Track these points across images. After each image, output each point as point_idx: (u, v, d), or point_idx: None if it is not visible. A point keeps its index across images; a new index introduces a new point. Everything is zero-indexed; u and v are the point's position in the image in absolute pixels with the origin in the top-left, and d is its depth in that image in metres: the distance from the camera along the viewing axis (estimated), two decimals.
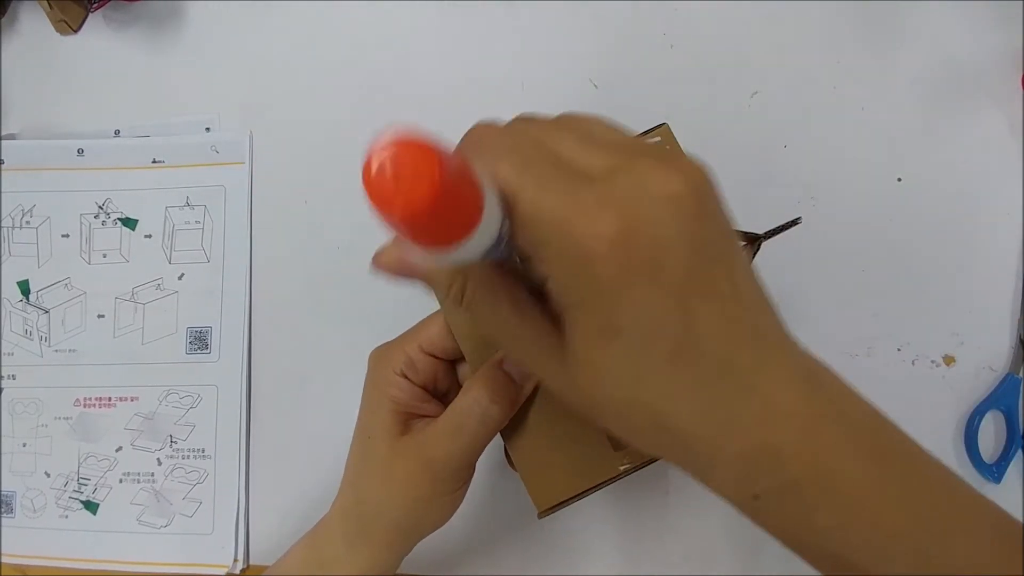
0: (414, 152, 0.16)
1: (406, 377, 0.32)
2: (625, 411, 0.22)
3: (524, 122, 0.24)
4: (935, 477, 0.23)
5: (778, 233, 0.35)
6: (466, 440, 0.30)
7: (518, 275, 0.23)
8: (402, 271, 0.25)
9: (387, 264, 0.25)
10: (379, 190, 0.17)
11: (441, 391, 0.33)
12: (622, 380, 0.21)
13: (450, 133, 0.51)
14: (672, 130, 0.32)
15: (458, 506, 0.34)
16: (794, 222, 0.35)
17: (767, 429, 0.21)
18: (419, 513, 0.32)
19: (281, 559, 0.37)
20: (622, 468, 0.30)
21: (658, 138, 0.32)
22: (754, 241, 0.34)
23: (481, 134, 0.23)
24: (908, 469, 0.22)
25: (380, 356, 0.33)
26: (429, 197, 0.16)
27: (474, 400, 0.30)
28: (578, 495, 0.30)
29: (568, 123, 0.23)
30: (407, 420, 0.32)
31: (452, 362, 0.33)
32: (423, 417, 0.32)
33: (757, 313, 0.22)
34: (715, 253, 0.21)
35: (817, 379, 0.22)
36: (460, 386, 0.33)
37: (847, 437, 0.21)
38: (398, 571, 0.44)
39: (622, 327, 0.20)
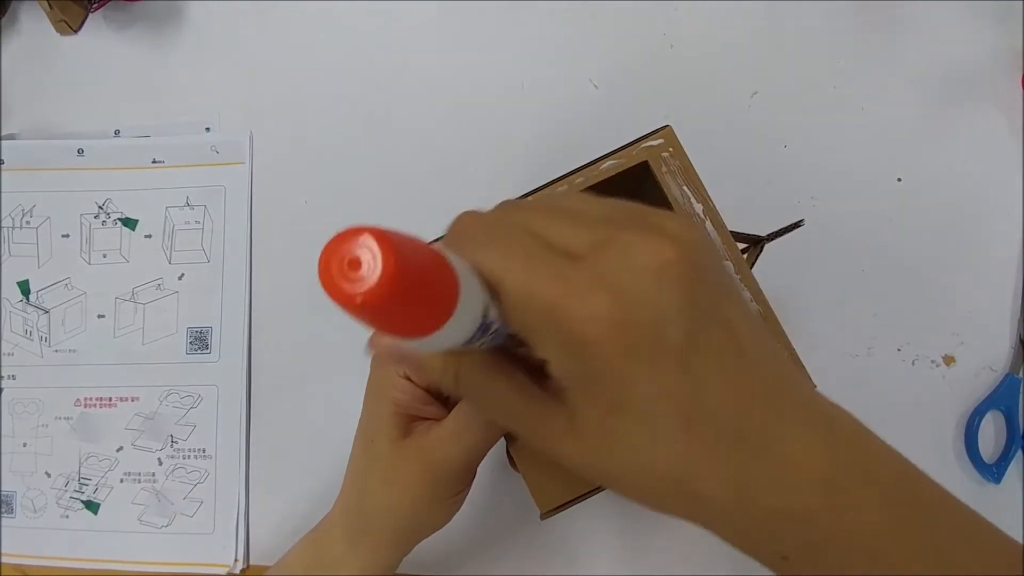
0: (366, 244, 0.16)
1: (408, 379, 0.32)
2: (643, 479, 0.21)
3: (508, 208, 0.24)
4: (957, 519, 0.23)
5: (780, 236, 0.35)
6: (469, 445, 0.30)
7: (516, 355, 0.23)
8: (395, 356, 0.25)
9: (381, 349, 0.24)
10: (334, 285, 0.17)
11: (444, 392, 0.33)
12: (636, 450, 0.21)
13: (450, 132, 0.52)
14: (675, 132, 0.33)
15: (459, 508, 0.34)
16: (797, 224, 0.35)
17: (788, 491, 0.20)
18: (421, 515, 0.32)
19: (282, 559, 0.37)
20: None
21: (660, 140, 0.32)
22: (757, 244, 0.34)
23: (465, 223, 0.22)
24: (930, 514, 0.22)
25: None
26: (384, 289, 0.16)
27: (475, 416, 0.30)
28: (581, 497, 0.30)
29: (551, 204, 0.23)
30: (409, 422, 0.32)
31: None
32: (425, 420, 0.32)
33: (765, 366, 0.21)
34: (713, 313, 0.20)
35: (834, 428, 0.22)
36: None
37: (869, 491, 0.21)
38: (398, 571, 0.44)
39: (629, 403, 0.20)
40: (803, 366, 0.31)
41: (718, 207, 0.33)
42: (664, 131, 0.32)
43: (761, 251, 0.35)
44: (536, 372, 0.23)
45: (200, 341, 0.47)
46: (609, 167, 0.32)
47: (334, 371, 0.46)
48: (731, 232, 0.32)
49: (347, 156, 0.48)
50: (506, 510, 0.44)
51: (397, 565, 0.36)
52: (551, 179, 0.33)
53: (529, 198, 0.24)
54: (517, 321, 0.20)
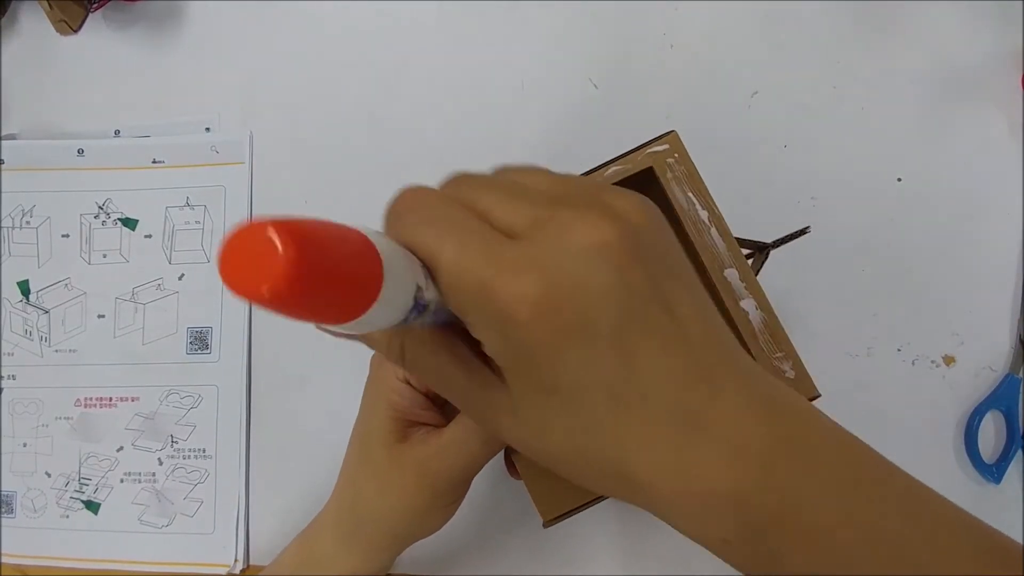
0: (261, 234, 0.16)
1: (408, 383, 0.31)
2: (578, 462, 0.21)
3: (456, 182, 0.23)
4: (909, 497, 0.22)
5: (786, 242, 0.35)
6: (468, 458, 0.30)
7: (462, 333, 0.23)
8: (341, 334, 0.25)
9: (328, 328, 0.25)
10: (236, 279, 0.16)
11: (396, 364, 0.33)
12: (570, 432, 0.20)
13: (450, 132, 0.52)
14: (680, 138, 0.32)
15: (453, 515, 0.34)
16: (802, 231, 0.35)
17: (726, 472, 0.20)
18: (413, 521, 0.32)
19: (276, 557, 0.38)
20: None
21: (666, 146, 0.32)
22: (762, 250, 0.34)
23: (406, 200, 0.22)
24: (878, 494, 0.21)
25: (381, 360, 0.33)
26: (287, 277, 0.15)
27: (473, 427, 0.30)
28: (584, 505, 0.30)
29: (500, 178, 0.23)
30: (406, 427, 0.32)
31: None
32: (422, 425, 0.32)
33: (706, 347, 0.21)
34: (652, 294, 0.20)
35: (775, 406, 0.21)
36: None
37: (810, 469, 0.20)
38: (398, 571, 0.44)
39: (559, 385, 0.20)
40: (807, 373, 0.31)
41: (720, 210, 0.33)
42: (669, 136, 0.32)
43: (766, 258, 0.35)
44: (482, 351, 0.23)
45: (200, 341, 0.47)
46: (614, 172, 0.32)
47: (334, 371, 0.46)
48: (736, 239, 0.32)
49: (347, 156, 0.48)
50: (506, 511, 0.44)
51: (387, 567, 0.36)
52: None
53: (485, 173, 0.24)
54: (451, 300, 0.20)
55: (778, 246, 0.35)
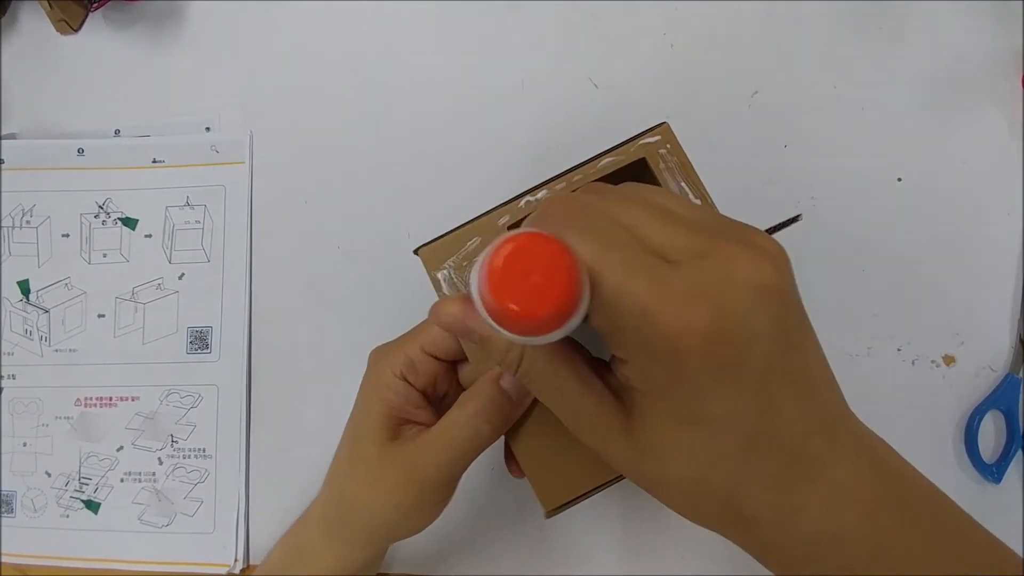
0: (554, 259, 0.16)
1: (405, 380, 0.31)
2: (692, 492, 0.22)
3: (600, 194, 0.23)
4: (991, 550, 0.23)
5: (778, 230, 0.35)
6: (455, 454, 0.30)
7: (578, 346, 0.23)
8: (460, 330, 0.25)
9: (446, 320, 0.24)
10: (506, 286, 0.16)
11: (440, 393, 0.33)
12: (694, 464, 0.21)
13: (450, 132, 0.52)
14: (672, 129, 0.33)
15: (439, 514, 0.34)
16: (794, 219, 0.35)
17: (833, 514, 0.21)
18: (399, 519, 0.32)
19: (270, 551, 0.38)
20: None
21: (658, 137, 0.32)
22: None
23: (559, 206, 0.22)
24: (961, 547, 0.22)
25: (380, 356, 0.33)
26: (557, 311, 0.16)
27: (467, 416, 0.30)
28: (585, 494, 0.30)
29: (644, 198, 0.23)
30: (398, 424, 0.32)
31: (453, 363, 0.33)
32: (414, 424, 0.32)
33: (828, 396, 0.22)
34: (795, 340, 0.21)
35: (879, 458, 0.22)
36: (460, 388, 0.33)
37: (907, 519, 0.21)
38: (397, 571, 0.44)
39: (701, 416, 0.20)
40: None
41: (717, 205, 0.33)
42: (661, 128, 0.32)
43: None
44: (597, 365, 0.23)
45: (200, 341, 0.47)
46: (607, 164, 0.32)
47: (334, 371, 0.46)
48: None
49: (347, 156, 0.48)
50: (506, 510, 0.44)
51: (373, 564, 0.36)
52: (549, 177, 0.33)
53: (620, 187, 0.24)
54: (606, 317, 0.20)
55: (771, 234, 0.35)
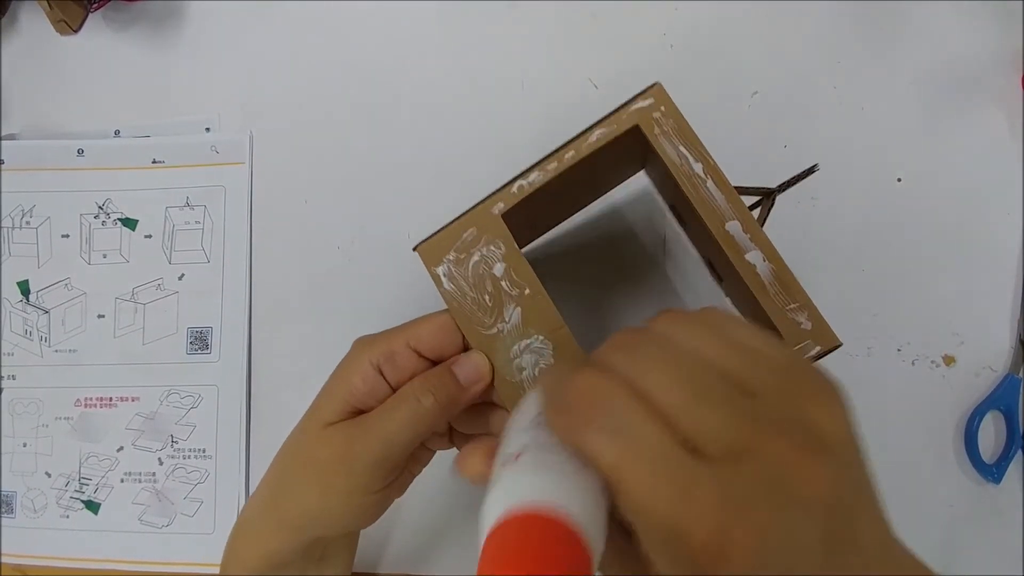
0: (561, 549, 0.16)
1: (380, 371, 0.30)
2: None
3: (627, 352, 0.21)
4: None
5: (793, 184, 0.33)
6: (392, 432, 0.29)
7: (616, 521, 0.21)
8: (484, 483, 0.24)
9: (471, 475, 0.23)
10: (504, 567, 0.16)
11: None
12: None
13: (450, 132, 0.52)
14: (666, 89, 0.31)
15: (384, 508, 0.32)
16: (811, 170, 0.33)
17: None
18: (331, 505, 0.31)
19: None
20: None
21: (650, 100, 0.30)
22: (768, 195, 0.32)
23: (581, 395, 0.20)
24: None
25: (362, 343, 0.32)
26: None
27: (410, 388, 0.29)
28: None
29: (673, 347, 0.20)
30: (355, 414, 0.31)
31: (436, 364, 0.32)
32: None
33: (883, 560, 0.20)
34: (850, 544, 0.18)
35: None
36: None
37: None
38: (396, 571, 0.44)
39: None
40: (824, 322, 0.29)
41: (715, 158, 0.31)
42: (654, 89, 0.30)
43: (772, 205, 0.33)
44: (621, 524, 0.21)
45: (200, 341, 0.47)
46: (599, 137, 0.30)
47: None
48: (737, 187, 0.30)
49: (347, 156, 0.48)
50: None
51: (305, 556, 0.33)
52: (540, 158, 0.32)
53: (687, 315, 0.22)
54: (632, 521, 0.19)
55: (784, 189, 0.33)
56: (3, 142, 0.49)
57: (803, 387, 0.20)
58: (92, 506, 0.46)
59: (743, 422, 0.18)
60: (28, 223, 0.49)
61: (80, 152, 0.49)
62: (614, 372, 0.20)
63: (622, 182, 0.41)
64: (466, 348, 0.32)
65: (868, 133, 0.46)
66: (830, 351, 0.29)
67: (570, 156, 0.31)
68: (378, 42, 0.49)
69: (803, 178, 0.33)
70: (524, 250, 0.33)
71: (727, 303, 0.42)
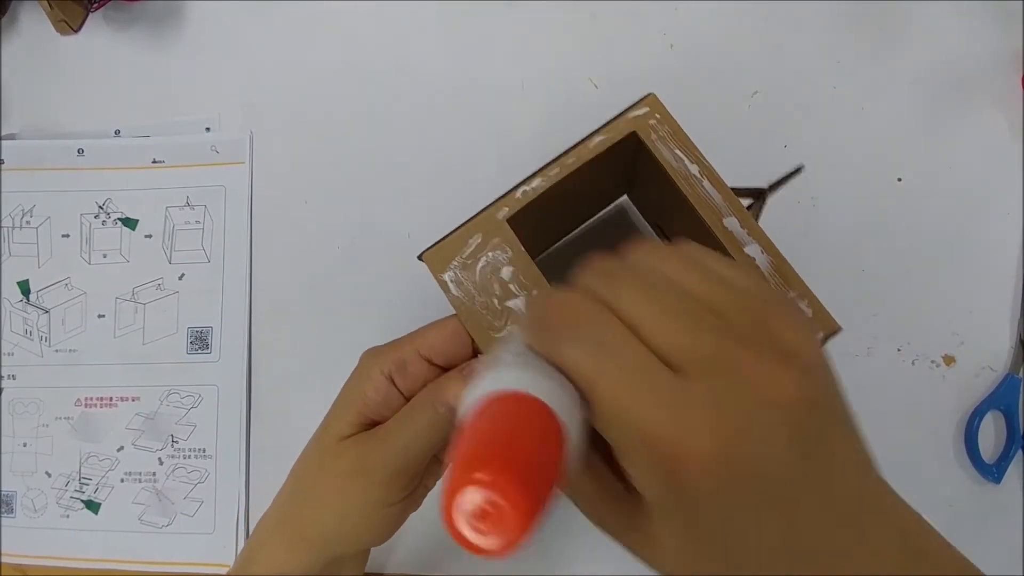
0: (491, 500, 0.16)
1: (392, 381, 0.30)
2: None
3: (601, 276, 0.22)
4: None
5: (782, 185, 0.35)
6: (408, 441, 0.29)
7: (595, 439, 0.21)
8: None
9: (453, 395, 0.25)
10: (463, 539, 0.17)
11: None
12: (711, 567, 0.20)
13: (450, 132, 0.52)
14: (660, 99, 0.32)
15: (400, 523, 0.32)
16: (796, 171, 0.35)
17: None
18: (348, 520, 0.30)
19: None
20: None
21: (646, 108, 0.32)
22: (759, 196, 0.34)
23: (555, 309, 0.21)
24: None
25: (371, 354, 0.32)
26: (518, 540, 0.16)
27: (425, 394, 0.29)
28: None
29: (647, 274, 0.21)
30: (369, 425, 0.30)
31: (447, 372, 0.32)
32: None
33: (857, 487, 0.20)
34: (821, 454, 0.19)
35: (911, 544, 0.21)
36: None
37: None
38: (395, 571, 0.44)
39: (715, 536, 0.19)
40: (824, 308, 0.30)
41: (709, 160, 0.32)
42: (648, 99, 0.32)
43: (764, 203, 0.34)
44: (608, 454, 0.22)
45: (200, 341, 0.47)
46: (599, 143, 0.32)
47: (334, 371, 0.46)
48: (731, 188, 0.31)
49: (347, 156, 0.48)
50: None
51: (315, 570, 0.33)
52: (543, 164, 0.33)
53: (661, 246, 0.23)
54: (607, 431, 0.19)
55: (775, 189, 0.35)
56: (3, 142, 0.49)
57: (773, 311, 0.20)
58: (92, 506, 0.46)
59: (713, 337, 0.19)
60: (28, 223, 0.49)
61: (80, 152, 0.49)
62: (590, 291, 0.21)
63: (612, 203, 0.43)
64: (475, 352, 0.31)
65: (868, 133, 0.46)
66: (832, 335, 0.31)
67: (571, 162, 0.32)
68: (378, 42, 0.49)
69: (791, 178, 0.34)
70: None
71: None
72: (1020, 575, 0.42)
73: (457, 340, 0.31)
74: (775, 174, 0.46)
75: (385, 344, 0.32)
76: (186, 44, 0.50)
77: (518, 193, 0.32)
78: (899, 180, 0.45)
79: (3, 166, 0.49)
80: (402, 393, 0.31)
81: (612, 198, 0.43)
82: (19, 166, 0.49)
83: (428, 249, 0.32)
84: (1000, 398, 0.43)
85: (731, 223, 0.31)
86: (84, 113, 0.50)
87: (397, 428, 0.30)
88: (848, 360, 0.44)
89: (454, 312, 0.31)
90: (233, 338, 0.47)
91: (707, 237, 0.31)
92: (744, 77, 0.47)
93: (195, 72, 0.50)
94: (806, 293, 0.30)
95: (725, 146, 0.45)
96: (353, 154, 0.48)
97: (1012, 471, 0.42)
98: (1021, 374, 0.43)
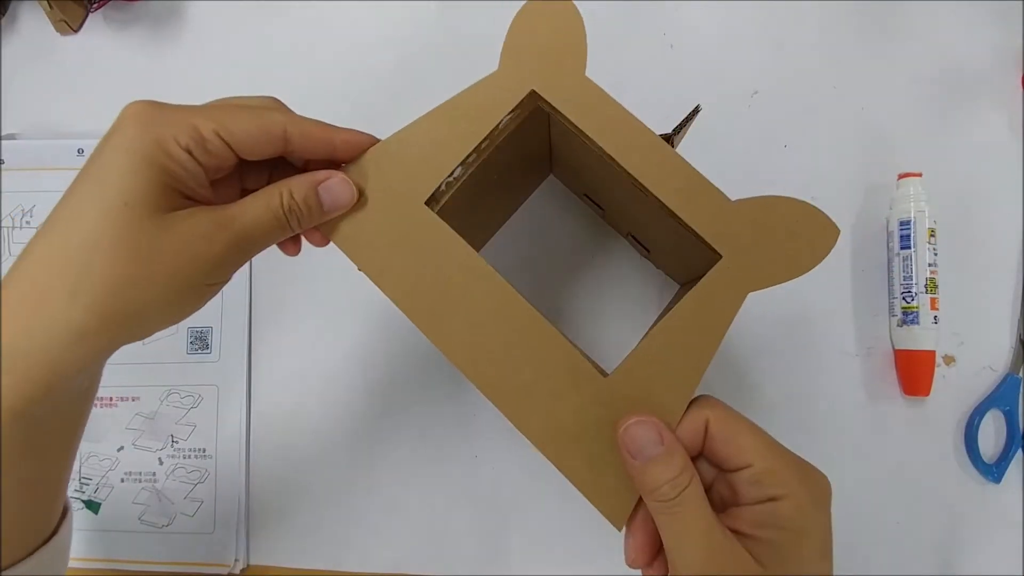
0: None
1: (190, 153, 0.27)
2: None
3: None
4: None
5: (684, 127, 0.35)
6: (253, 230, 0.28)
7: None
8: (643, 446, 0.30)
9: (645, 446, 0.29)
10: None
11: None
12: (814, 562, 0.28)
13: None
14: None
15: (203, 305, 0.30)
16: (695, 111, 0.35)
17: None
18: (164, 301, 0.28)
19: None
20: None
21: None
22: (667, 140, 0.33)
23: None
24: None
25: (152, 116, 0.27)
26: None
27: (275, 200, 0.28)
28: None
29: None
30: (178, 199, 0.27)
31: (244, 164, 0.30)
32: (192, 202, 0.28)
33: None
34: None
35: None
36: (243, 194, 0.30)
37: None
38: (398, 572, 0.44)
39: (798, 560, 0.28)
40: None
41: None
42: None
43: (673, 146, 0.34)
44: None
45: (200, 341, 0.47)
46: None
47: (334, 371, 0.46)
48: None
49: None
50: (505, 510, 0.44)
51: (103, 352, 0.30)
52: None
53: None
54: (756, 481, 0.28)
55: (678, 132, 0.36)
56: (3, 142, 0.49)
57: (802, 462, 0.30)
58: (92, 505, 0.46)
59: (796, 461, 0.29)
60: (28, 223, 0.49)
61: (80, 152, 0.49)
62: None
63: (539, 186, 0.45)
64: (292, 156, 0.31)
65: (868, 133, 0.46)
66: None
67: (485, 145, 0.33)
68: (378, 42, 0.49)
69: (690, 120, 0.35)
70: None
71: (660, 275, 0.44)
72: (1020, 575, 0.42)
73: (265, 138, 0.29)
74: (775, 174, 0.46)
75: (169, 106, 0.28)
76: (186, 44, 0.50)
77: (442, 186, 0.32)
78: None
79: (3, 166, 0.49)
80: (204, 165, 0.28)
81: (539, 180, 0.44)
82: (19, 166, 0.49)
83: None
84: (1000, 398, 0.43)
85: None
86: (84, 113, 0.50)
87: (244, 217, 0.28)
88: (848, 360, 0.44)
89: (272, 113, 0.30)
90: (233, 338, 0.47)
91: (628, 184, 0.31)
92: (744, 77, 0.47)
93: (195, 72, 0.50)
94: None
95: (725, 146, 0.46)
96: None
97: (1012, 471, 0.43)
98: (1021, 374, 0.43)
